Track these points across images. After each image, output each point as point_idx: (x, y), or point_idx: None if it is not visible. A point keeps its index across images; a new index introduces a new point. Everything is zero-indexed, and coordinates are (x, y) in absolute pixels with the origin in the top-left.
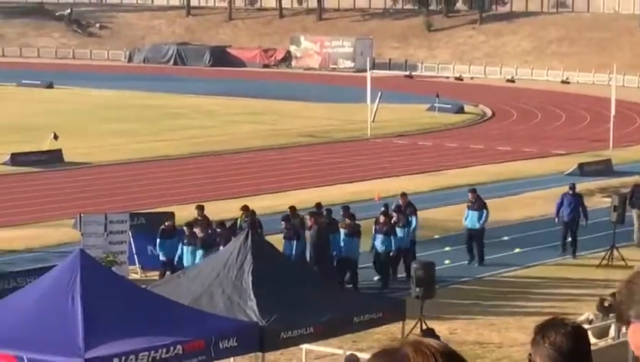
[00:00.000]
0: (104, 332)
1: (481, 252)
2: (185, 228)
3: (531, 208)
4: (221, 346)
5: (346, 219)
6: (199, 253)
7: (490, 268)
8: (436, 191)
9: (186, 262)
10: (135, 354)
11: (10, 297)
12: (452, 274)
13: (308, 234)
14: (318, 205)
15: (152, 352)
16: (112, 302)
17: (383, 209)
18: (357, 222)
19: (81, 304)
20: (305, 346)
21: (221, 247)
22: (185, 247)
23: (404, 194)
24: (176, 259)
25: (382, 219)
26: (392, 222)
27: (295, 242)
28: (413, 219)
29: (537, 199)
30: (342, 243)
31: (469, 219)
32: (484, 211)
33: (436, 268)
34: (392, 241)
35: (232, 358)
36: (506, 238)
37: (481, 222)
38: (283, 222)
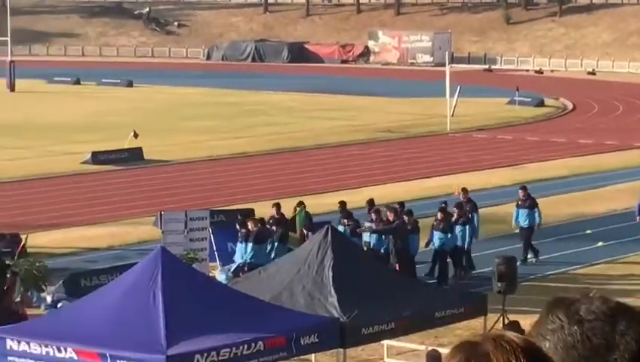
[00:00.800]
0: (186, 329)
1: (526, 249)
2: (238, 225)
3: (614, 201)
4: (302, 342)
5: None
6: (249, 247)
7: (573, 262)
8: (517, 185)
9: (237, 257)
10: (216, 350)
11: (92, 295)
12: (534, 268)
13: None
14: (401, 204)
15: (234, 349)
16: (193, 298)
17: (441, 205)
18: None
19: (162, 301)
20: (386, 342)
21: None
22: (238, 243)
23: (464, 190)
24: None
25: (439, 215)
26: (452, 219)
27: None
28: (474, 215)
29: (620, 192)
30: None
31: (521, 218)
32: (536, 210)
33: (517, 262)
34: (450, 238)
35: (312, 354)
36: (589, 232)
37: (536, 221)
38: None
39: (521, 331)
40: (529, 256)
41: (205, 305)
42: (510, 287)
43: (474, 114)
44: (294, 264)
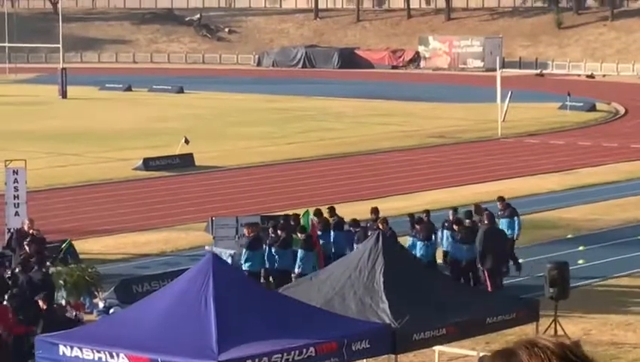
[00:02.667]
0: (237, 335)
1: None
2: (271, 229)
3: None
4: (353, 348)
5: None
6: (244, 252)
7: (626, 267)
8: (569, 191)
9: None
10: (268, 356)
11: (143, 300)
12: (586, 273)
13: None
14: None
15: (285, 354)
16: (244, 304)
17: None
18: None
19: (214, 307)
20: (437, 348)
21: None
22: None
23: (501, 199)
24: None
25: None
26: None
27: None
28: (515, 220)
29: None
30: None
31: (503, 228)
32: (516, 219)
33: (570, 267)
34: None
35: (364, 360)
36: None
37: (516, 231)
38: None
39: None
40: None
41: (256, 311)
42: (562, 293)
43: (525, 119)
44: (345, 269)
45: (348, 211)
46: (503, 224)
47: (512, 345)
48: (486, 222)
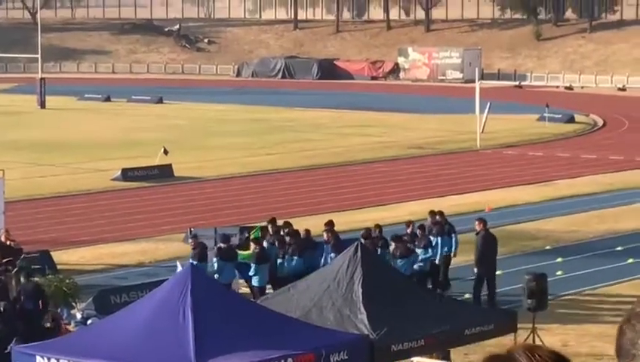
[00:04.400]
0: (215, 346)
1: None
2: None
3: None
4: (331, 359)
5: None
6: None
7: (604, 278)
8: (548, 202)
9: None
10: None
11: (121, 311)
12: (565, 285)
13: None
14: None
15: None
16: (222, 315)
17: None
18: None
19: (192, 318)
20: (416, 359)
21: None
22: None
23: (432, 213)
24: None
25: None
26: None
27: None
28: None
29: None
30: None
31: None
32: (454, 236)
33: (548, 279)
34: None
35: None
36: (619, 248)
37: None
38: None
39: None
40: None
41: (235, 322)
42: (540, 304)
43: (504, 130)
44: (324, 280)
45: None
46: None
47: (510, 349)
48: (481, 226)
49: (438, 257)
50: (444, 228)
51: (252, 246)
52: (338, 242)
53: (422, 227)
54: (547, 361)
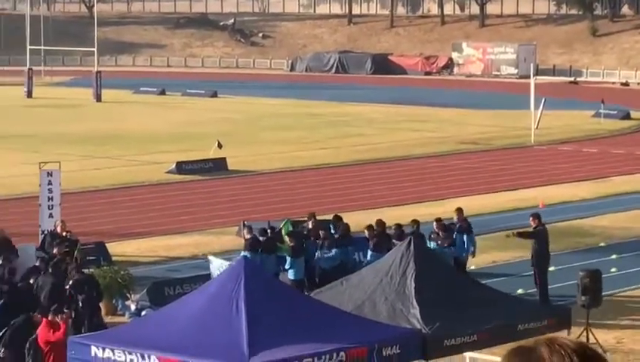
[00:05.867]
0: (268, 338)
1: None
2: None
3: None
4: (384, 353)
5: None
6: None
7: None
8: (602, 198)
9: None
10: (298, 359)
11: (175, 303)
12: (619, 282)
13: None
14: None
15: (315, 358)
16: (275, 308)
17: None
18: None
19: (245, 310)
20: (468, 354)
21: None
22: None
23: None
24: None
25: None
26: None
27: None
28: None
29: None
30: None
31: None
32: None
33: (603, 276)
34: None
35: None
36: None
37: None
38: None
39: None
40: None
41: (287, 315)
42: (594, 301)
43: (559, 126)
44: (376, 275)
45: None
46: (458, 239)
47: (532, 342)
48: (536, 222)
49: (467, 254)
50: (470, 226)
51: (287, 239)
52: (379, 239)
53: (444, 226)
54: (567, 351)
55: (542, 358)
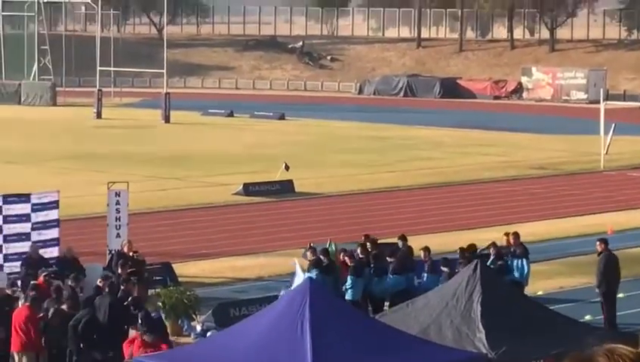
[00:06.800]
0: (333, 361)
1: None
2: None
3: None
4: None
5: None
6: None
7: None
8: None
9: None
10: None
11: (240, 324)
12: None
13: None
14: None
15: None
16: (340, 330)
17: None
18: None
19: (309, 332)
20: None
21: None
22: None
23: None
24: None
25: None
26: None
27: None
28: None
29: None
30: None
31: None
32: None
33: None
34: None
35: None
36: None
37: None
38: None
39: None
40: None
41: (352, 338)
42: None
43: (629, 152)
44: (442, 298)
45: (443, 241)
46: (517, 265)
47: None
48: (603, 247)
49: (526, 279)
50: (526, 250)
51: (347, 259)
52: (433, 262)
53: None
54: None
55: None
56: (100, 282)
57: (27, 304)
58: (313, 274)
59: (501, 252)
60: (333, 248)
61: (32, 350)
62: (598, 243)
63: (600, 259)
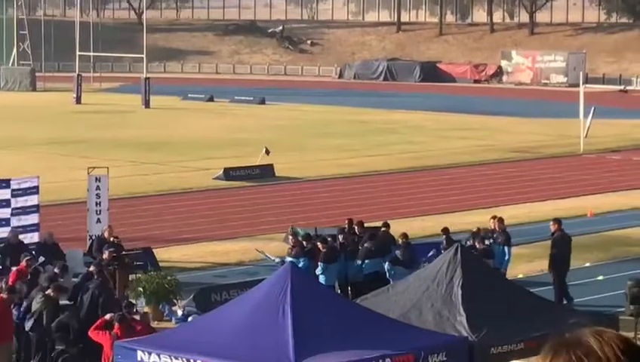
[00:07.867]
0: (314, 344)
1: None
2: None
3: None
4: (430, 361)
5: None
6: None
7: None
8: None
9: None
10: None
11: (221, 308)
12: None
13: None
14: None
15: None
16: (321, 314)
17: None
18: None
19: (291, 316)
20: None
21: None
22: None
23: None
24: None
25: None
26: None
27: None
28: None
29: None
30: None
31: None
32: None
33: None
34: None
35: None
36: None
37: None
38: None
39: None
40: None
41: (333, 321)
42: None
43: (608, 135)
44: (423, 282)
45: (423, 224)
46: (497, 251)
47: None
48: (556, 227)
49: (505, 266)
50: (509, 238)
51: (320, 245)
52: (409, 247)
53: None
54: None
55: (592, 350)
56: (92, 268)
57: (1, 295)
58: (295, 259)
59: (484, 236)
60: (299, 232)
61: (7, 339)
62: (551, 223)
63: (553, 240)
